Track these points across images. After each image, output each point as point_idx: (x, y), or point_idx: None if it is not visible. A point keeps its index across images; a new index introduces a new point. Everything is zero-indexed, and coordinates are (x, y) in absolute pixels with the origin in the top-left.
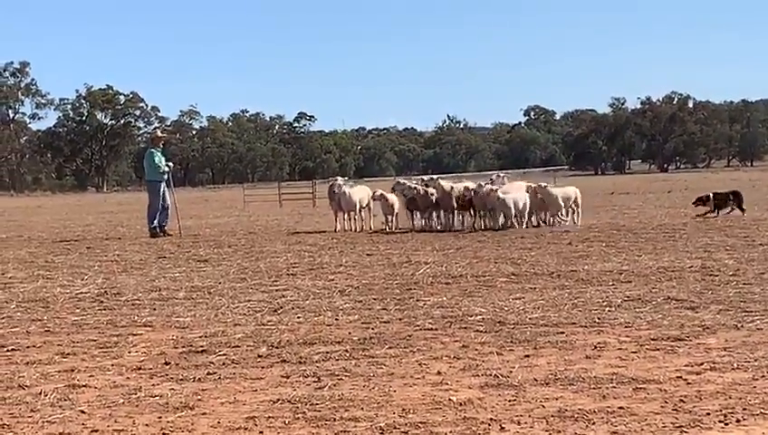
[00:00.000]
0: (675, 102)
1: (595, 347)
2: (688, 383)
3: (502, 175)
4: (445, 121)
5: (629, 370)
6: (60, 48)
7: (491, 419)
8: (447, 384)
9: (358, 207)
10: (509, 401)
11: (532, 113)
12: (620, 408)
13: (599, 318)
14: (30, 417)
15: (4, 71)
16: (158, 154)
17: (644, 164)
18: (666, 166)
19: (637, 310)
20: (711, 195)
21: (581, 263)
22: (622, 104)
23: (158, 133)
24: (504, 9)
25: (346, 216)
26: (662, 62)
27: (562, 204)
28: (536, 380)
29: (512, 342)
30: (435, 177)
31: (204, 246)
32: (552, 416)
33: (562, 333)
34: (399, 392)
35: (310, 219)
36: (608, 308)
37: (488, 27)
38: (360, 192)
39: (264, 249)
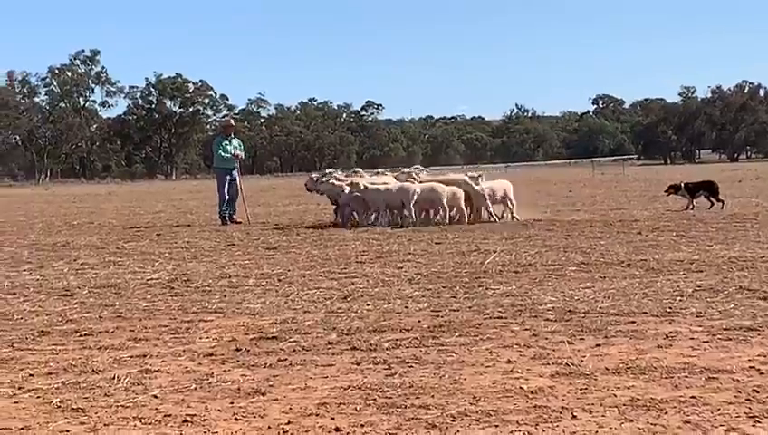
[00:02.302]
0: (746, 91)
1: (666, 337)
2: (761, 374)
3: (422, 169)
4: (513, 110)
5: (701, 359)
6: (130, 36)
7: (562, 407)
8: (518, 373)
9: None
10: (580, 389)
11: (601, 102)
12: (693, 397)
13: (670, 308)
14: (104, 401)
15: (75, 59)
16: (226, 142)
17: (714, 154)
18: (736, 155)
19: (708, 300)
20: (682, 184)
21: (651, 252)
22: (692, 93)
23: (231, 122)
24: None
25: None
26: (733, 50)
27: (487, 198)
28: (607, 369)
29: (582, 331)
30: (359, 170)
31: (273, 234)
32: (624, 405)
33: (633, 322)
34: (470, 380)
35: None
36: (679, 298)
37: (557, 15)
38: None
39: (332, 237)
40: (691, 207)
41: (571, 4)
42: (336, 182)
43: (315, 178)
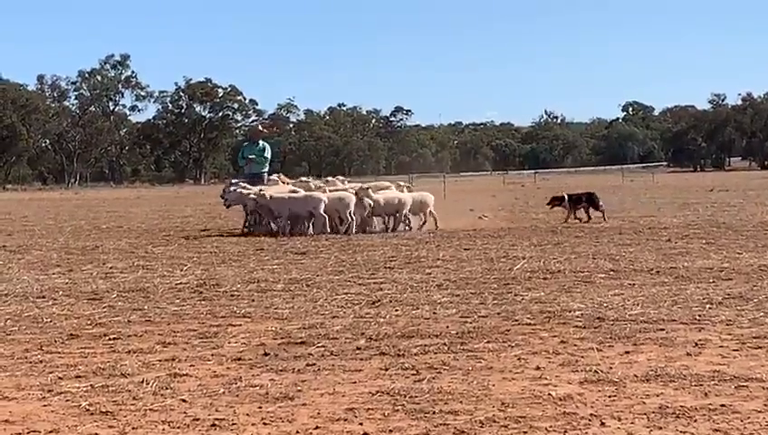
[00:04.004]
0: None
1: (696, 344)
2: None
3: (342, 179)
4: (542, 117)
5: (731, 367)
6: (160, 41)
7: (591, 414)
8: (546, 379)
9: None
10: (609, 396)
11: (631, 109)
12: (722, 405)
13: (699, 315)
14: (133, 404)
15: (105, 63)
16: (246, 147)
17: (744, 161)
18: (766, 163)
19: (738, 308)
20: (565, 196)
21: (681, 260)
22: (722, 100)
23: (258, 127)
24: (602, 4)
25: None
26: (764, 57)
27: (384, 209)
28: (636, 376)
29: (611, 338)
30: (304, 178)
31: (301, 239)
32: (654, 412)
33: (663, 329)
34: (498, 386)
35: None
36: (708, 305)
37: (587, 21)
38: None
39: (360, 242)
40: (572, 218)
41: (600, 10)
42: (244, 191)
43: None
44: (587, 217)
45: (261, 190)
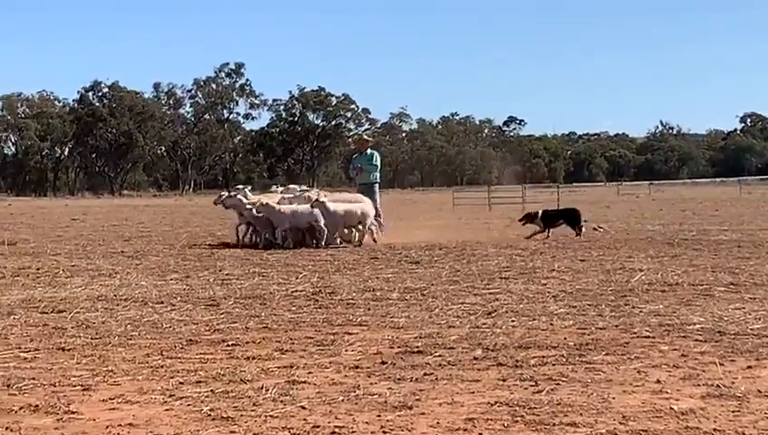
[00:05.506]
0: None
1: None
2: None
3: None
4: (657, 127)
5: None
6: (273, 49)
7: (714, 429)
8: (668, 393)
9: None
10: (732, 411)
11: (749, 120)
12: None
13: None
14: (253, 411)
15: (220, 71)
16: (355, 157)
17: None
18: None
19: None
20: (540, 212)
21: None
22: None
23: (363, 137)
24: (725, 10)
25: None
26: None
27: (337, 219)
28: (760, 391)
29: (733, 352)
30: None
31: (415, 248)
32: None
33: None
34: (618, 399)
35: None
36: None
37: (704, 32)
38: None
39: (474, 252)
40: (546, 235)
41: (717, 21)
42: (243, 199)
43: (223, 196)
44: (575, 232)
45: (260, 201)
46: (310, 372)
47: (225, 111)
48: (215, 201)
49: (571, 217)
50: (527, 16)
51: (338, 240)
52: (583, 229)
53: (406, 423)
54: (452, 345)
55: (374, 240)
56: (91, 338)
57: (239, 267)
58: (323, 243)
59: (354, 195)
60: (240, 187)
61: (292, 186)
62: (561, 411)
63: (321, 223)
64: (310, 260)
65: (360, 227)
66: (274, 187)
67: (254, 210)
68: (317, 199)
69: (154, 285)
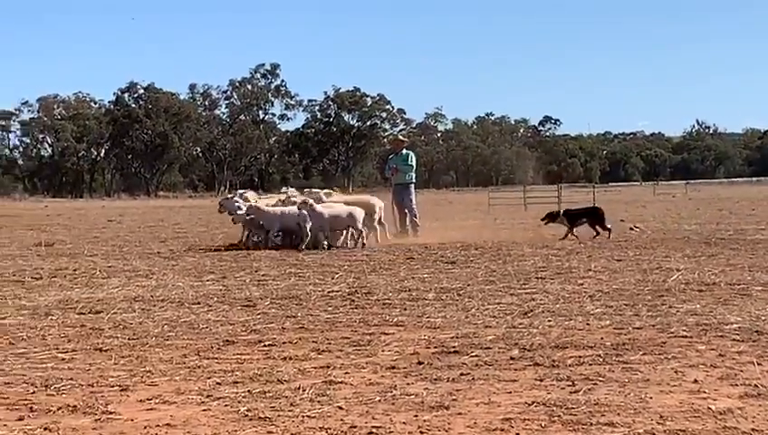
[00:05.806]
0: None
1: None
2: None
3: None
4: (694, 127)
5: None
6: (309, 50)
7: (753, 429)
8: (705, 393)
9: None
10: None
11: None
12: None
13: None
14: (290, 411)
15: (256, 72)
16: (394, 158)
17: None
18: None
19: None
20: (561, 211)
21: None
22: None
23: (399, 137)
24: (764, 7)
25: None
26: None
27: (323, 222)
28: None
29: None
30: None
31: (451, 248)
32: None
33: None
34: (656, 399)
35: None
36: None
37: (737, 32)
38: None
39: (510, 252)
40: (571, 236)
41: (755, 18)
42: (242, 203)
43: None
44: (594, 232)
45: (253, 204)
46: (346, 373)
47: (260, 112)
48: (219, 210)
49: (594, 216)
50: (558, 17)
51: (325, 243)
52: (610, 228)
53: (443, 423)
54: (488, 345)
55: (377, 240)
56: (129, 339)
57: (275, 268)
58: (304, 246)
59: (361, 197)
60: (240, 191)
61: (290, 189)
62: (599, 411)
63: (308, 226)
64: (346, 260)
65: (353, 229)
66: (284, 189)
67: (246, 213)
68: (304, 201)
69: (190, 285)
